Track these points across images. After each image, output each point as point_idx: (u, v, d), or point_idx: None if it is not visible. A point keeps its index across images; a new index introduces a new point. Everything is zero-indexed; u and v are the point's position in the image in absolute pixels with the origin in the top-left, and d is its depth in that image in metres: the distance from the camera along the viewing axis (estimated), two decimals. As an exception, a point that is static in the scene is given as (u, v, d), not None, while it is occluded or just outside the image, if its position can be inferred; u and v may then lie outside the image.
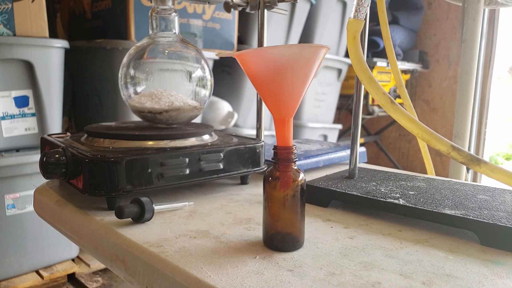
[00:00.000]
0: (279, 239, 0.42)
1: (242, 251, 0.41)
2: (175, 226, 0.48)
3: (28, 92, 1.36)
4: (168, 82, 0.65)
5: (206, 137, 0.63)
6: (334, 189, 0.56)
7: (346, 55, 2.31)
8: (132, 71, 0.63)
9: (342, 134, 2.70)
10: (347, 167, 0.68)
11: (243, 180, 0.67)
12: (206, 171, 0.58)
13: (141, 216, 0.48)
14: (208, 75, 0.66)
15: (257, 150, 0.64)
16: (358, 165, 0.65)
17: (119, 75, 0.64)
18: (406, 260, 0.40)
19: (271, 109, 0.40)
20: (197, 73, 0.65)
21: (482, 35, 0.94)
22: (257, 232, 0.46)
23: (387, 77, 2.53)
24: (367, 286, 0.35)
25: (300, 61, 0.38)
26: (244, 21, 1.89)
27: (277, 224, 0.42)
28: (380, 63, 2.38)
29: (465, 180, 0.97)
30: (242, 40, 1.95)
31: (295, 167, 0.41)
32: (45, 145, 0.65)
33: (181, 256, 0.40)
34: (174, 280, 0.37)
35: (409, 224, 0.50)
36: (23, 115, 1.37)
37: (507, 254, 0.42)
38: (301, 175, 0.41)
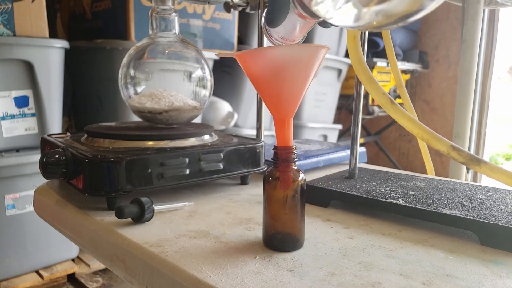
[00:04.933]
0: (279, 239, 0.42)
1: (242, 251, 0.41)
2: (175, 226, 0.48)
3: (28, 92, 1.36)
4: (168, 82, 0.65)
5: (206, 137, 0.63)
6: (334, 189, 0.56)
7: (346, 55, 2.31)
8: (132, 71, 0.63)
9: (342, 134, 2.70)
10: (347, 167, 0.68)
11: (243, 180, 0.67)
12: (206, 171, 0.58)
13: (141, 216, 0.48)
14: (208, 75, 0.66)
15: (257, 150, 0.64)
16: (358, 165, 0.65)
17: (119, 75, 0.64)
18: (406, 260, 0.40)
19: (271, 109, 0.40)
20: (197, 73, 0.65)
21: (482, 35, 0.94)
22: (257, 232, 0.46)
23: (387, 77, 2.53)
24: (367, 286, 0.35)
25: (300, 61, 0.38)
26: (244, 21, 1.89)
27: (277, 224, 0.42)
28: (380, 63, 2.38)
29: (465, 180, 0.97)
30: (242, 40, 1.95)
31: (295, 167, 0.41)
32: (45, 145, 0.65)
33: (181, 256, 0.40)
34: (174, 280, 0.37)
35: (409, 224, 0.50)
36: (23, 115, 1.37)
37: (507, 254, 0.42)
38: (301, 175, 0.41)
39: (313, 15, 0.40)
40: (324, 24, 0.44)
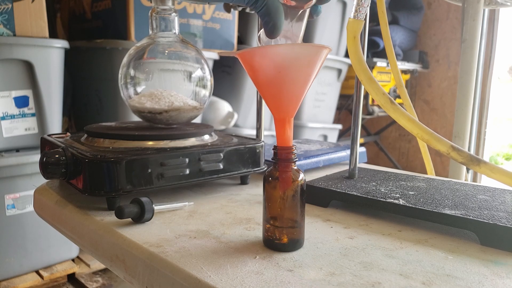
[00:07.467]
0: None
1: (242, 251, 0.41)
2: (175, 226, 0.48)
3: (28, 92, 1.36)
4: (168, 82, 0.65)
5: (206, 137, 0.63)
6: (334, 189, 0.56)
7: (346, 55, 2.31)
8: (132, 71, 0.63)
9: (342, 134, 2.70)
10: (347, 167, 0.68)
11: (243, 180, 0.67)
12: (206, 171, 0.58)
13: (141, 216, 0.48)
14: (208, 75, 0.66)
15: (257, 150, 0.64)
16: (358, 165, 0.65)
17: (119, 75, 0.64)
18: (406, 260, 0.40)
19: (272, 109, 0.40)
20: (197, 73, 0.65)
21: (482, 35, 0.94)
22: (257, 232, 0.46)
23: (387, 77, 2.53)
24: (367, 286, 0.35)
25: (302, 60, 0.38)
26: (244, 21, 1.89)
27: (277, 224, 0.42)
28: (380, 63, 2.38)
29: (465, 180, 0.97)
30: (242, 40, 1.95)
31: (295, 167, 0.41)
32: (45, 145, 0.65)
33: (181, 256, 0.40)
34: (174, 280, 0.37)
35: (409, 224, 0.50)
36: (23, 115, 1.37)
37: (507, 254, 0.42)
38: (301, 175, 0.41)
39: None
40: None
